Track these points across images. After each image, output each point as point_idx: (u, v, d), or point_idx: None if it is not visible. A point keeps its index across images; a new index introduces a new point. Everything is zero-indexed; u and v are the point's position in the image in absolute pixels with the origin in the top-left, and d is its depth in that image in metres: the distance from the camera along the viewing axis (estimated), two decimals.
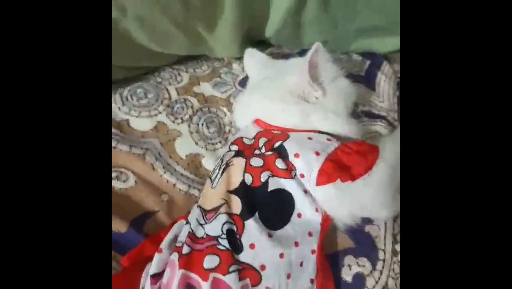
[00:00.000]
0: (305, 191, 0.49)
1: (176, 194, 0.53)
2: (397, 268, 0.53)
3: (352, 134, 0.56)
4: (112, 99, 0.56)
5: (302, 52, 0.78)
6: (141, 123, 0.56)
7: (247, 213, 0.46)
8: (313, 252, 0.48)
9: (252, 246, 0.44)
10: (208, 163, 0.56)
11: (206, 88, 0.64)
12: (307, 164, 0.49)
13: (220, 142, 0.59)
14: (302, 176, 0.49)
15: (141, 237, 0.47)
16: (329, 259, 0.52)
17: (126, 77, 0.59)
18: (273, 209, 0.47)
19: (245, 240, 0.44)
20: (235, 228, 0.45)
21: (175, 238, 0.47)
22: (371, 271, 0.51)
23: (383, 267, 0.53)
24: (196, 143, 0.57)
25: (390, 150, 0.56)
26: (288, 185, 0.48)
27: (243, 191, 0.47)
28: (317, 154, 0.49)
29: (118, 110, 0.56)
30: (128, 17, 0.50)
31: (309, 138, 0.52)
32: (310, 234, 0.48)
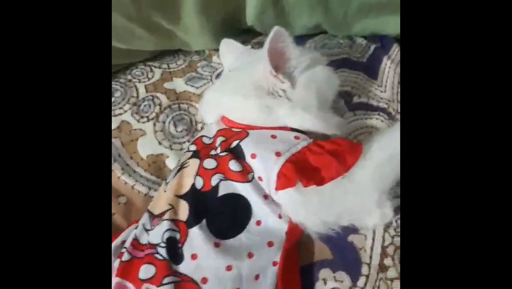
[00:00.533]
0: (266, 196, 0.44)
1: (134, 196, 0.50)
2: (383, 286, 0.45)
3: (326, 130, 0.49)
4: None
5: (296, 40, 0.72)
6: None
7: (193, 220, 0.41)
8: (274, 263, 0.42)
9: (194, 257, 0.40)
10: (173, 164, 0.52)
11: (178, 84, 0.60)
12: (265, 165, 0.43)
13: (188, 141, 0.55)
14: (261, 179, 0.44)
15: None
16: (302, 271, 0.46)
17: None
18: (223, 215, 0.42)
19: (186, 250, 0.40)
20: (178, 236, 0.41)
21: (123, 243, 0.45)
22: (350, 288, 0.44)
23: (365, 284, 0.45)
24: (160, 143, 0.54)
25: (378, 147, 0.47)
26: (243, 189, 0.43)
27: (192, 195, 0.43)
28: (278, 154, 0.43)
29: None
30: None
31: (273, 136, 0.46)
32: (270, 244, 0.43)
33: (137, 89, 0.59)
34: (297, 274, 0.45)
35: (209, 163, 0.45)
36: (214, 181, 0.43)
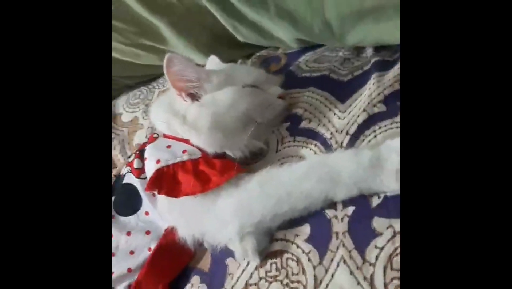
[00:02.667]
0: (154, 194, 0.54)
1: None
2: None
3: (211, 150, 0.51)
4: (123, 98, 0.81)
5: (290, 55, 0.67)
6: (126, 117, 0.77)
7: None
8: (149, 249, 0.53)
9: None
10: None
11: None
12: (148, 168, 0.54)
13: None
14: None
15: None
16: (184, 269, 0.53)
17: (130, 84, 0.80)
18: (123, 198, 0.56)
19: None
20: None
21: None
22: None
23: None
24: (146, 136, 0.71)
25: (258, 181, 0.47)
26: (137, 183, 0.55)
27: (117, 177, 0.59)
28: (158, 161, 0.52)
29: (122, 107, 0.80)
30: None
31: (168, 146, 0.54)
32: (147, 233, 0.54)
33: (153, 95, 0.78)
34: (168, 266, 0.52)
35: (131, 157, 0.59)
36: (124, 171, 0.57)
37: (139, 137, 0.72)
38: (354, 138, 0.48)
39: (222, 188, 0.48)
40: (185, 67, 0.52)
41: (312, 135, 0.53)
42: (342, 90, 0.55)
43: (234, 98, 0.52)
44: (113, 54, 0.73)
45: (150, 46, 0.70)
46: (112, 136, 0.76)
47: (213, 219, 0.48)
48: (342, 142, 0.49)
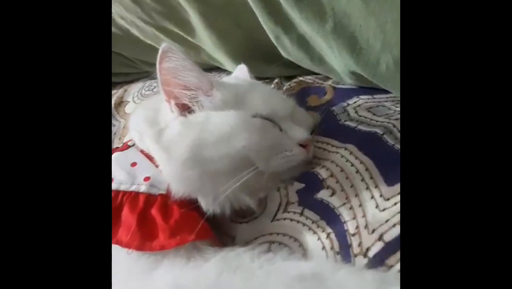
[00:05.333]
0: None
1: None
2: None
3: (177, 190, 0.36)
4: (138, 85, 0.70)
5: (340, 91, 0.49)
6: (131, 108, 0.65)
7: None
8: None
9: None
10: None
11: None
12: None
13: None
14: None
15: None
16: None
17: (151, 72, 0.67)
18: None
19: None
20: None
21: None
22: None
23: None
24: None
25: (204, 264, 0.32)
26: None
27: None
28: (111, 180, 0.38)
29: (132, 95, 0.68)
30: (115, 14, 0.60)
31: (133, 164, 0.40)
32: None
33: None
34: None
35: None
36: None
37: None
38: (386, 254, 0.30)
39: (166, 253, 0.33)
40: (184, 68, 0.38)
41: (329, 216, 0.35)
42: (394, 165, 0.36)
43: (235, 128, 0.36)
44: (135, 32, 0.62)
45: (174, 32, 0.57)
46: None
47: None
48: (366, 251, 0.31)
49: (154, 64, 0.70)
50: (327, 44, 0.42)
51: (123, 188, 0.37)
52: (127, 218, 0.35)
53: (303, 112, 0.45)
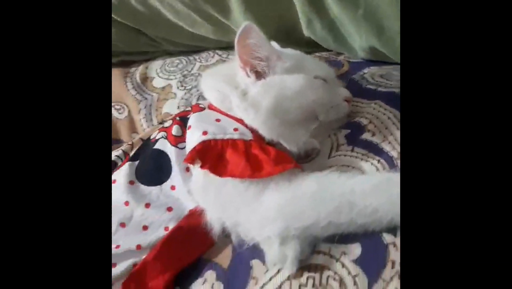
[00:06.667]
0: (187, 168, 0.47)
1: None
2: None
3: (268, 134, 0.47)
4: (158, 62, 0.75)
5: (354, 64, 0.63)
6: (159, 82, 0.71)
7: (132, 158, 0.51)
8: (166, 229, 0.46)
9: (113, 181, 0.49)
10: None
11: None
12: (190, 138, 0.47)
13: None
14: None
15: None
16: (198, 259, 0.46)
17: (171, 52, 0.74)
18: (149, 165, 0.49)
19: (114, 174, 0.50)
20: (119, 163, 0.52)
21: None
22: None
23: None
24: (178, 107, 0.65)
25: (315, 180, 0.41)
26: (171, 152, 0.49)
27: (145, 141, 0.53)
28: (204, 133, 0.46)
29: (155, 71, 0.73)
30: None
31: (217, 120, 0.49)
32: (169, 209, 0.47)
33: (193, 67, 0.72)
34: (182, 252, 0.46)
35: (167, 123, 0.53)
36: (158, 136, 0.51)
37: (170, 107, 0.66)
38: None
39: (272, 179, 0.42)
40: (260, 44, 0.47)
41: (375, 150, 0.48)
42: None
43: (305, 86, 0.47)
44: (167, 13, 0.67)
45: (210, 15, 0.64)
46: (139, 99, 0.69)
47: (254, 212, 0.42)
48: None
49: (177, 43, 0.78)
50: (355, 28, 0.55)
51: (219, 137, 0.45)
52: (233, 157, 0.43)
53: (336, 78, 0.57)
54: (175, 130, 0.49)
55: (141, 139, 0.54)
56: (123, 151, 0.53)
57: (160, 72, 0.73)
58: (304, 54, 0.56)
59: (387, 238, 0.39)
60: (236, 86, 0.49)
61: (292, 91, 0.47)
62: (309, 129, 0.47)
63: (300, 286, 0.40)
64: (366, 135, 0.50)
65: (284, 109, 0.46)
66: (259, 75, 0.49)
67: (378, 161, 0.47)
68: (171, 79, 0.70)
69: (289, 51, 0.57)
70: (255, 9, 0.60)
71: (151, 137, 0.52)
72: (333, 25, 0.57)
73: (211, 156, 0.44)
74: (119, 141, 0.66)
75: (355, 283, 0.38)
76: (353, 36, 0.57)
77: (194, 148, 0.45)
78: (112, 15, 0.70)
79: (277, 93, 0.47)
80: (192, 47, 0.74)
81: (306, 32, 0.61)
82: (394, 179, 0.40)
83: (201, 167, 0.43)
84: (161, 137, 0.50)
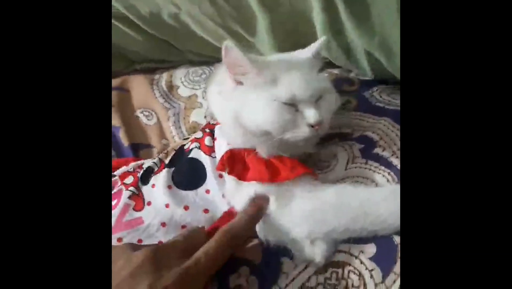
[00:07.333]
0: (220, 175, 0.54)
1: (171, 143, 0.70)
2: None
3: (235, 142, 0.53)
4: (182, 71, 0.80)
5: (363, 81, 0.71)
6: (184, 91, 0.76)
7: (168, 165, 0.57)
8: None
9: (153, 185, 0.55)
10: None
11: None
12: (218, 149, 0.54)
13: None
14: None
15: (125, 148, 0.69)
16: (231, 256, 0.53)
17: (193, 60, 0.80)
18: (185, 171, 0.56)
19: (152, 179, 0.56)
20: (156, 169, 0.58)
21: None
22: None
23: None
24: (205, 117, 0.71)
25: (335, 191, 0.49)
26: (206, 160, 0.55)
27: (179, 150, 0.59)
28: (229, 143, 0.54)
29: (179, 79, 0.79)
30: (182, 12, 0.70)
31: None
32: (206, 211, 0.53)
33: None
34: None
35: (198, 134, 0.59)
36: (192, 146, 0.57)
37: (197, 116, 0.72)
38: None
39: (296, 189, 0.50)
40: (239, 61, 0.51)
41: (386, 163, 0.56)
42: None
43: (259, 106, 0.50)
44: (194, 27, 0.72)
45: (236, 31, 0.70)
46: (167, 107, 0.74)
47: (284, 216, 0.49)
48: None
49: (202, 54, 0.84)
50: (368, 52, 0.61)
51: (242, 146, 0.53)
52: (253, 164, 0.50)
53: (332, 96, 0.56)
54: (207, 141, 0.56)
55: (174, 149, 0.60)
56: (159, 159, 0.59)
57: (185, 81, 0.78)
58: (297, 64, 0.55)
59: (397, 239, 0.48)
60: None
61: (248, 108, 0.51)
62: (271, 143, 0.51)
63: (325, 279, 0.48)
64: (377, 150, 0.58)
65: (242, 122, 0.51)
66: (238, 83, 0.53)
67: (389, 173, 0.55)
68: (196, 89, 0.76)
69: (285, 56, 0.59)
70: (280, 31, 0.66)
71: (185, 147, 0.58)
72: (348, 47, 0.64)
73: (236, 163, 0.51)
74: (149, 146, 0.71)
75: (371, 276, 0.46)
76: (365, 58, 0.64)
77: (222, 157, 0.52)
78: (143, 27, 0.75)
79: (235, 106, 0.51)
80: (215, 58, 0.79)
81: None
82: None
83: (229, 173, 0.50)
84: (194, 147, 0.57)
